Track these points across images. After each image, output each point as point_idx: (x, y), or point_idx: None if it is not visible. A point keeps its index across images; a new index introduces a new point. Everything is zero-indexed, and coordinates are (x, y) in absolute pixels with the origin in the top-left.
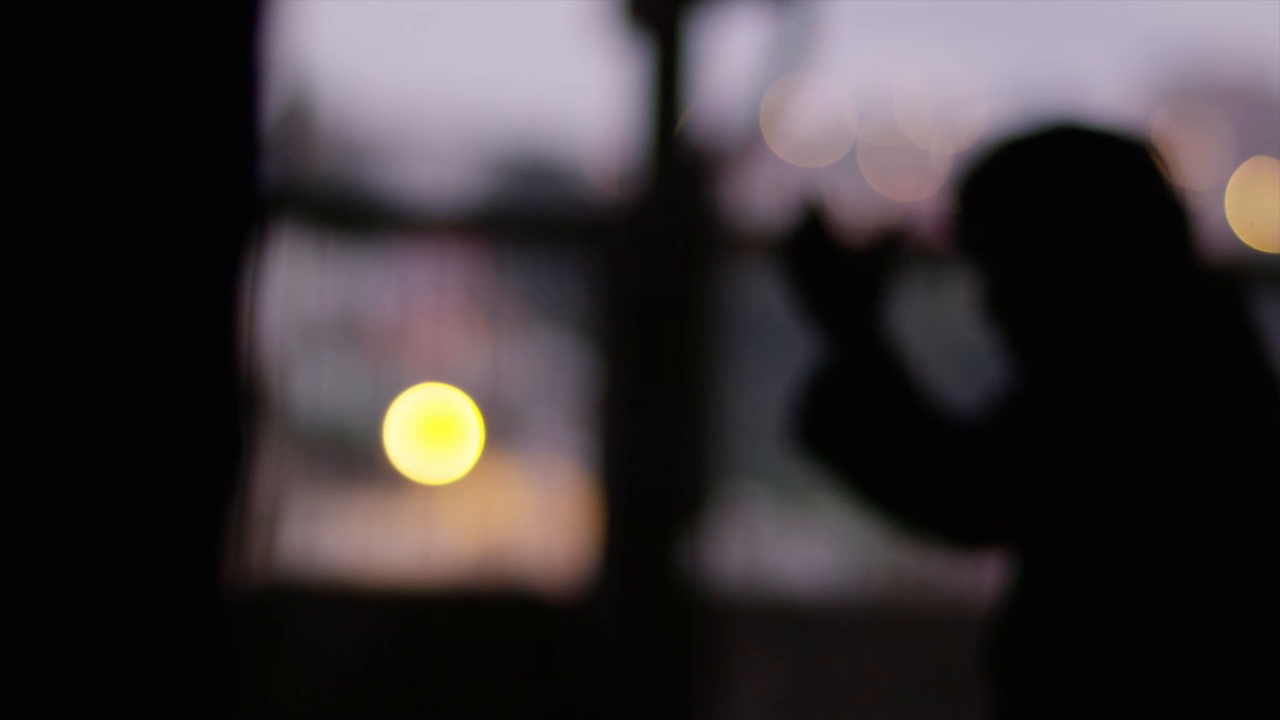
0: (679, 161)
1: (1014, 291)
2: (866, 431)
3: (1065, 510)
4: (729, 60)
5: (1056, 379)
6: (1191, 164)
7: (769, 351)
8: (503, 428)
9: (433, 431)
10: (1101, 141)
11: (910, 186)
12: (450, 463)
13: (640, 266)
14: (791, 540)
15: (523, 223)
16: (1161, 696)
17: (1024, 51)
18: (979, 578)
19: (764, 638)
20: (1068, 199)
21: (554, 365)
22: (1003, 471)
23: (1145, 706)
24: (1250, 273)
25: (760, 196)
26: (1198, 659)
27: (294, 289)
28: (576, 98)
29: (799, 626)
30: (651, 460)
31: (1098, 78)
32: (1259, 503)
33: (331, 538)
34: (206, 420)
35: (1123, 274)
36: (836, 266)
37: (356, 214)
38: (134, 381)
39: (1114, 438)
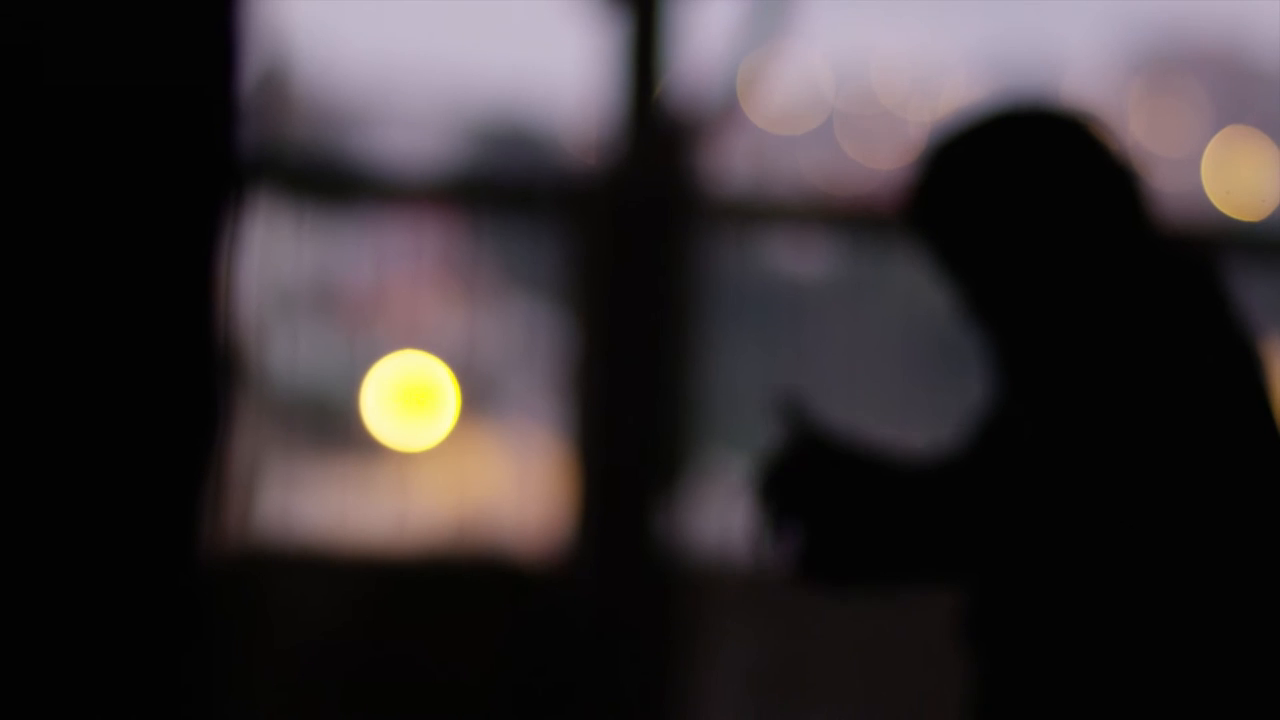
0: (656, 129)
1: (981, 284)
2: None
3: (1049, 492)
4: (706, 28)
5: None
6: (1167, 132)
7: (746, 320)
8: (479, 395)
9: (409, 399)
10: (1038, 123)
11: (888, 155)
12: (427, 430)
13: (617, 235)
14: None
15: (499, 191)
16: (1143, 671)
17: (1001, 18)
18: None
19: (741, 607)
20: (1014, 186)
21: (530, 333)
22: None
23: (1126, 680)
24: (1226, 241)
25: (737, 164)
26: (1184, 639)
27: (270, 256)
28: (554, 65)
29: (776, 596)
30: (628, 429)
31: (1074, 45)
32: (1237, 476)
33: (308, 505)
34: (183, 387)
35: (1079, 250)
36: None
37: (333, 181)
38: (110, 348)
39: (1094, 416)
